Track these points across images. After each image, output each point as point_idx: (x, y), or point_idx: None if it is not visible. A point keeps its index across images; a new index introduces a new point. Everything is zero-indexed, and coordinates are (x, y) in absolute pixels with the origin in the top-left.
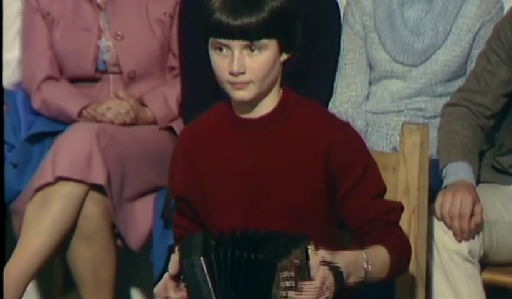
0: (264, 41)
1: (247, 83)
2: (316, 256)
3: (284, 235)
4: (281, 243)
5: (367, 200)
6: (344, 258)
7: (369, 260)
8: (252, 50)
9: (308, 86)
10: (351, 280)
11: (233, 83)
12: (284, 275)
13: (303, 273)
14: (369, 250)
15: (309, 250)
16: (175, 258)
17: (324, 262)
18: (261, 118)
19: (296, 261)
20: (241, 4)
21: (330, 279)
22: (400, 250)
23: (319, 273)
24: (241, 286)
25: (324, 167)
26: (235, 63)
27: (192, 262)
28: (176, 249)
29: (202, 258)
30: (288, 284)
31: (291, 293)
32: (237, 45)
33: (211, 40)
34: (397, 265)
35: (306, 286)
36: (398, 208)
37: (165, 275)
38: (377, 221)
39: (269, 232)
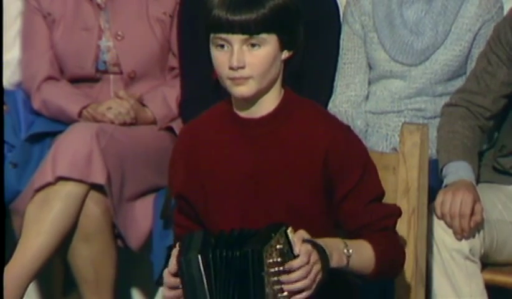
0: (263, 35)
1: (247, 78)
2: (297, 235)
3: (265, 227)
4: (262, 233)
5: (363, 205)
6: (323, 240)
7: (348, 247)
8: (252, 46)
9: (307, 86)
10: (334, 261)
11: (232, 79)
12: (270, 261)
13: (288, 255)
14: (349, 240)
15: (288, 232)
16: (175, 254)
17: (305, 240)
18: (262, 118)
19: (279, 246)
20: (241, 0)
21: (315, 255)
22: (388, 251)
23: (303, 248)
24: (235, 283)
25: (322, 169)
26: (234, 57)
27: (189, 259)
28: (177, 246)
29: (199, 256)
30: (276, 269)
31: (282, 277)
32: (236, 39)
33: (211, 36)
34: (382, 264)
35: (294, 263)
36: (396, 212)
37: (165, 270)
38: (372, 225)
39: (257, 229)
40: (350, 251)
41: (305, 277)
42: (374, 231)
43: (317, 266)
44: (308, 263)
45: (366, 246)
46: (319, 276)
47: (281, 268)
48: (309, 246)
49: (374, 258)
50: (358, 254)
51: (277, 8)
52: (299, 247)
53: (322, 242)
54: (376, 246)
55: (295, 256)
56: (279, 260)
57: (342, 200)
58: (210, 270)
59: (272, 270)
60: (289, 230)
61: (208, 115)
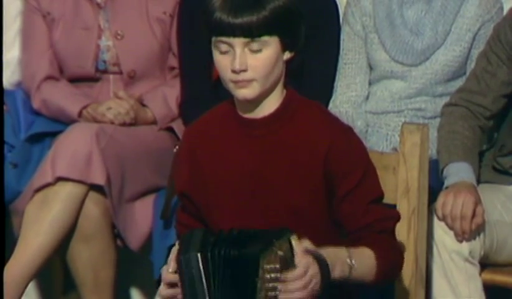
0: (265, 38)
1: (250, 81)
2: (300, 245)
3: (270, 230)
4: (265, 237)
5: (363, 206)
6: (326, 251)
7: (352, 256)
8: (254, 49)
9: (307, 86)
10: (336, 273)
11: (235, 82)
12: (269, 266)
13: (288, 263)
14: (352, 249)
15: (292, 240)
16: (174, 252)
17: (307, 251)
18: (264, 118)
19: (280, 252)
20: (243, 3)
21: (315, 267)
22: (389, 257)
23: (302, 261)
24: (231, 283)
25: (323, 170)
26: (236, 60)
27: (188, 258)
28: (177, 244)
29: (199, 255)
30: (273, 275)
31: (278, 285)
32: (238, 42)
33: (213, 39)
34: (383, 270)
35: (289, 274)
36: (395, 216)
37: (164, 267)
38: (371, 227)
39: (258, 230)
40: (354, 262)
41: (301, 289)
42: (374, 232)
43: (315, 280)
44: (305, 275)
45: (369, 255)
46: (316, 289)
47: (278, 275)
48: (309, 259)
49: (376, 268)
50: (361, 264)
51: (278, 10)
52: (299, 258)
53: (325, 253)
54: (378, 253)
55: (294, 265)
56: (278, 266)
57: (341, 200)
58: (209, 269)
59: (269, 275)
60: (293, 239)
61: (211, 115)
